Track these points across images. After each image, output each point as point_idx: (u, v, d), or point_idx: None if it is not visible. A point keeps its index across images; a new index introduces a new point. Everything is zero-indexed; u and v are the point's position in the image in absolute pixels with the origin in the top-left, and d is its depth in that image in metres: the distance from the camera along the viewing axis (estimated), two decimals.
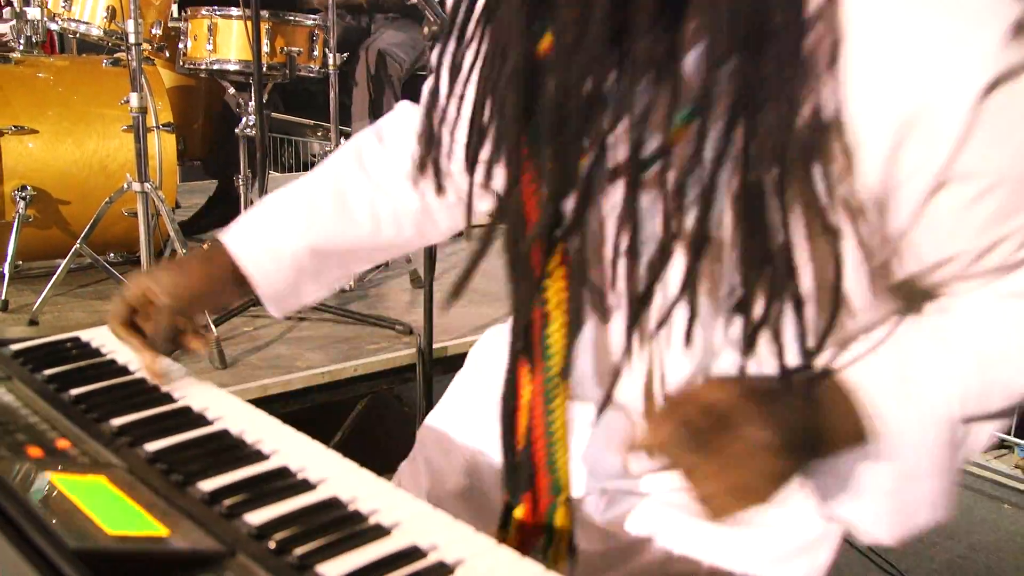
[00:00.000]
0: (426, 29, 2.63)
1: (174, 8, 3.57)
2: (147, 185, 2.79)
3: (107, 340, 1.32)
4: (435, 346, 2.84)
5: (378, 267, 3.61)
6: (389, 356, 2.85)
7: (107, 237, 3.31)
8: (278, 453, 0.92)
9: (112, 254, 3.48)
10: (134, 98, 2.75)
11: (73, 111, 3.26)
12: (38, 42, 3.48)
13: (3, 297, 3.07)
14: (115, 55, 3.45)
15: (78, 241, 3.00)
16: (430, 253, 2.80)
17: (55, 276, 2.95)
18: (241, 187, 3.43)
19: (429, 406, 2.76)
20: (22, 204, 3.14)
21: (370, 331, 3.02)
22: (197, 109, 3.96)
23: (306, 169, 8.06)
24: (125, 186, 2.96)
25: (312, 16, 3.31)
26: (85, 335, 1.36)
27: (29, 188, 3.15)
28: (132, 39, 2.70)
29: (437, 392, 2.83)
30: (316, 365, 2.73)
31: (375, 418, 3.63)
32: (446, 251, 3.91)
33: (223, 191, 3.94)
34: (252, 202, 3.54)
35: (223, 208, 3.85)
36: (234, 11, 3.21)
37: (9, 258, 3.13)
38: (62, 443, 0.94)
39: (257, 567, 0.70)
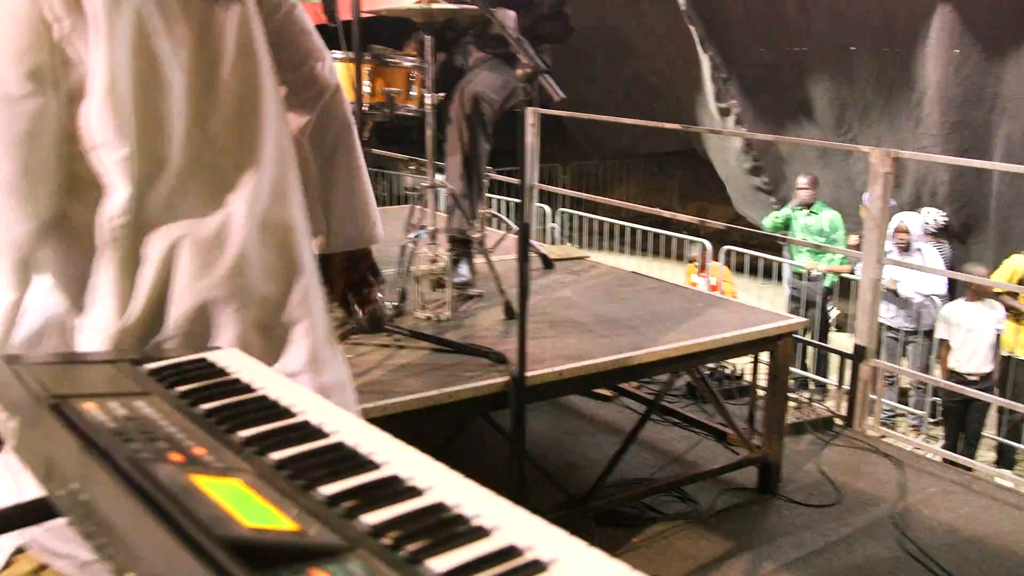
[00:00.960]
0: (519, 71, 2.72)
1: None
2: None
3: (230, 361, 1.43)
4: (527, 375, 2.92)
5: (472, 297, 3.72)
6: (483, 384, 2.95)
7: None
8: (389, 463, 1.01)
9: None
10: None
11: None
12: None
13: None
14: None
15: None
16: (523, 285, 2.89)
17: None
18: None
19: (521, 432, 2.86)
20: None
21: (465, 359, 3.12)
22: None
23: (400, 202, 8.28)
24: None
25: (410, 58, 3.46)
26: (211, 356, 1.48)
27: None
28: None
29: (529, 418, 2.92)
30: (414, 391, 2.84)
31: (469, 443, 3.73)
32: (539, 283, 4.02)
33: None
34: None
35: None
36: (337, 54, 3.36)
37: None
38: (198, 450, 1.05)
39: (375, 560, 0.79)
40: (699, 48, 8.99)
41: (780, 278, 8.65)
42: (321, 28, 3.37)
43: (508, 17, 3.74)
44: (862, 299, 4.65)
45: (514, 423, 2.84)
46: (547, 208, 8.53)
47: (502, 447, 3.20)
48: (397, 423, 2.71)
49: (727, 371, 4.98)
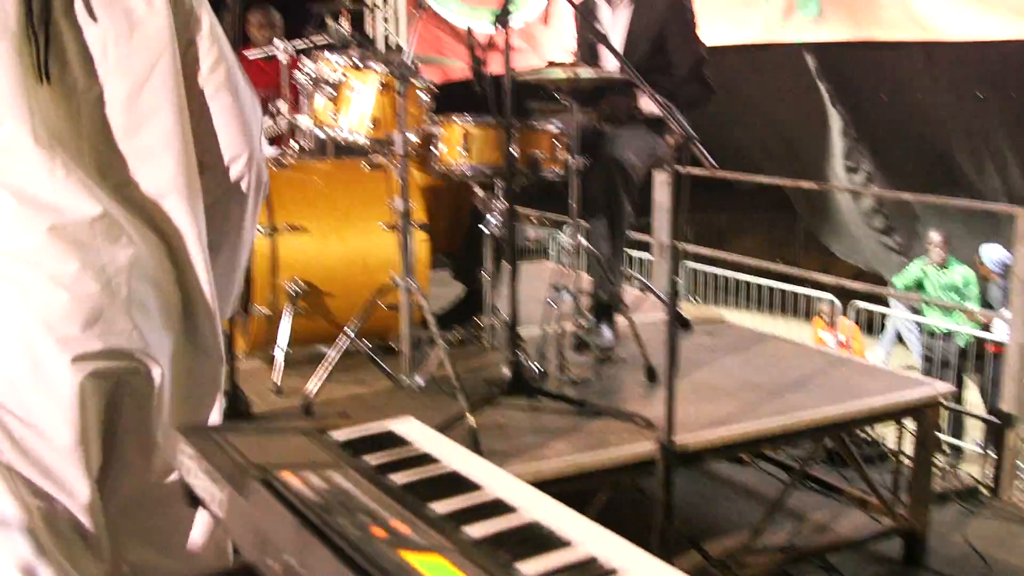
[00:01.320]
0: (670, 139, 2.76)
1: None
2: (412, 283, 3.03)
3: (411, 430, 1.49)
4: (676, 440, 2.91)
5: (615, 360, 3.75)
6: (631, 449, 2.95)
7: (363, 326, 3.56)
8: (582, 542, 1.06)
9: (365, 341, 3.73)
10: (398, 203, 3.00)
11: (338, 211, 3.57)
12: (308, 148, 3.83)
13: (278, 382, 3.37)
14: (373, 157, 3.75)
15: (350, 331, 3.27)
16: (672, 347, 2.89)
17: (330, 364, 3.22)
18: (487, 281, 3.66)
19: (669, 499, 2.85)
20: (294, 296, 3.44)
21: (611, 423, 3.13)
22: (442, 207, 4.23)
23: (543, 257, 8.37)
24: (392, 282, 3.21)
25: (554, 123, 3.52)
26: (394, 426, 1.54)
27: (300, 281, 3.45)
28: (399, 149, 2.96)
29: (678, 485, 2.91)
30: (562, 454, 2.87)
31: (616, 508, 3.72)
32: (683, 344, 4.00)
33: (470, 287, 4.17)
34: (496, 295, 3.77)
35: (470, 301, 4.09)
36: (486, 119, 3.45)
37: (284, 345, 3.43)
38: (397, 524, 1.11)
39: None
40: (828, 106, 8.90)
41: (900, 337, 8.47)
42: (467, 90, 3.49)
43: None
44: (1010, 364, 4.51)
45: (664, 491, 2.83)
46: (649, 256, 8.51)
47: (641, 505, 3.20)
48: (549, 488, 2.73)
49: (867, 435, 4.87)
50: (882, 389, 3.60)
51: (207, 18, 1.73)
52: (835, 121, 9.03)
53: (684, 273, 8.70)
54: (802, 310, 8.53)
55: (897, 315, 7.69)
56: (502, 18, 3.01)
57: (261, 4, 2.85)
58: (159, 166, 1.68)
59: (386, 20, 9.56)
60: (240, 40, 2.58)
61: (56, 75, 1.59)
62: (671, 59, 4.00)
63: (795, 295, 8.22)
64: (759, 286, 8.37)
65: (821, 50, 8.44)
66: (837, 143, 9.11)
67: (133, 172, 1.67)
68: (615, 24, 4.06)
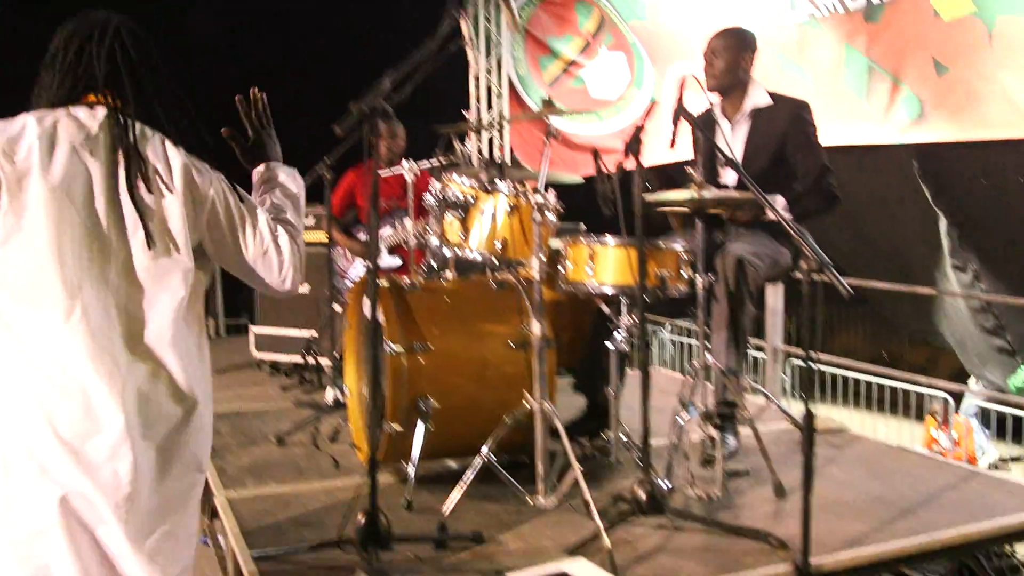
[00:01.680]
0: (804, 265, 2.80)
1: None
2: (546, 404, 3.09)
3: (586, 571, 1.54)
4: (812, 561, 2.90)
5: (740, 474, 3.75)
6: (766, 571, 2.94)
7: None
8: None
9: (493, 456, 3.80)
10: (535, 327, 3.09)
11: (468, 329, 3.68)
12: (437, 268, 3.96)
13: (409, 497, 3.44)
14: (499, 276, 3.86)
15: (485, 449, 3.34)
16: (807, 463, 2.89)
17: (464, 484, 3.29)
18: (612, 396, 3.71)
19: None
20: (425, 412, 3.53)
21: (744, 542, 3.13)
22: (564, 320, 4.31)
23: (666, 367, 8.41)
24: (527, 404, 3.28)
25: (681, 242, 3.60)
26: (568, 567, 1.59)
27: (431, 399, 3.54)
28: (535, 275, 3.05)
29: None
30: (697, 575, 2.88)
31: None
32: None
33: (594, 409, 4.23)
34: (615, 418, 3.82)
35: (594, 420, 4.15)
36: (610, 239, 3.54)
37: (415, 461, 3.51)
38: None
39: None
40: (933, 206, 8.84)
41: (1017, 436, 8.23)
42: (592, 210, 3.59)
43: (776, 202, 3.85)
44: None
45: None
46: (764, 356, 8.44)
47: None
48: None
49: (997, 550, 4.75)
50: (1018, 505, 3.53)
51: (217, 190, 2.21)
52: (940, 220, 8.95)
53: (788, 368, 8.63)
54: (912, 407, 8.37)
55: (1015, 413, 7.48)
56: (633, 147, 3.10)
57: (387, 117, 3.01)
58: (163, 312, 2.13)
59: (496, 143, 9.87)
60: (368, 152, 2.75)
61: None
62: (792, 171, 4.07)
63: (904, 392, 8.07)
64: (867, 383, 8.25)
65: (923, 150, 8.43)
66: (943, 242, 9.01)
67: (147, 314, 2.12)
68: (735, 137, 4.15)
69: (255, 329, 8.36)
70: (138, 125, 2.14)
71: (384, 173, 5.02)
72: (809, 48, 7.41)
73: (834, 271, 2.78)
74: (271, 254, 2.27)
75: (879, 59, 6.93)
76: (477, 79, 10.16)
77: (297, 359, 7.78)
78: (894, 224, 10.30)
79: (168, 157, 2.15)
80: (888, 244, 10.70)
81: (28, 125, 2.07)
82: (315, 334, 7.55)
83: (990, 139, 6.65)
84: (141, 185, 2.09)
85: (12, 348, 2.03)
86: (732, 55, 4.16)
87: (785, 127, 4.09)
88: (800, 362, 8.54)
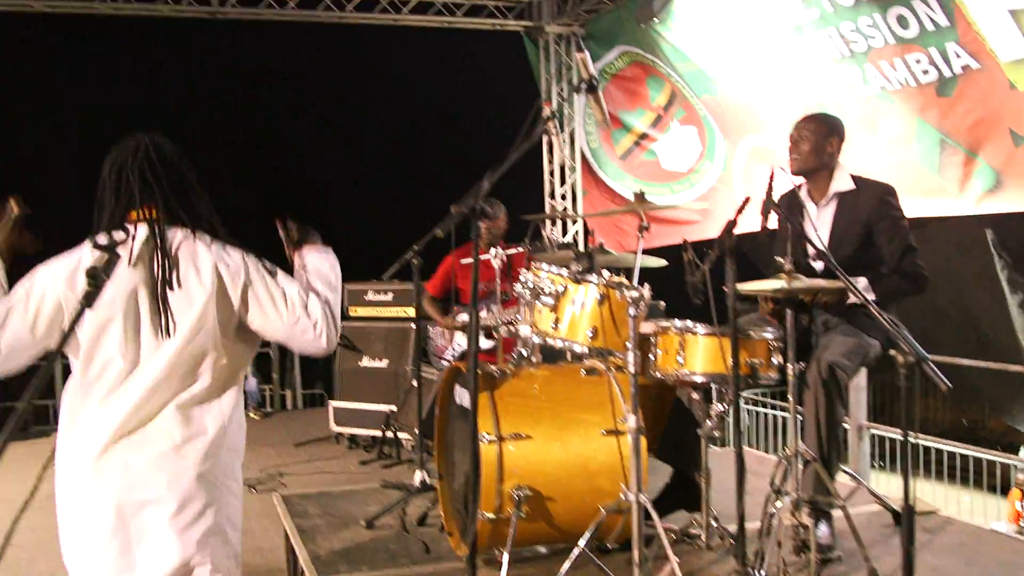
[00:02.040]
0: (900, 359, 2.81)
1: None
2: (642, 496, 3.12)
3: None
4: None
5: (833, 560, 3.72)
6: None
7: (583, 528, 3.66)
8: None
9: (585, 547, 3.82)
10: (631, 420, 3.13)
11: (560, 418, 3.72)
12: (528, 355, 4.03)
13: None
14: (589, 363, 3.91)
15: (582, 543, 3.37)
16: (908, 559, 2.88)
17: (562, 572, 3.32)
18: (702, 481, 3.73)
19: None
20: (518, 501, 3.57)
21: None
22: (648, 402, 4.34)
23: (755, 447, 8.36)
24: (622, 496, 3.31)
25: (770, 330, 3.63)
26: None
27: (524, 487, 3.59)
28: (632, 368, 3.10)
29: None
30: None
31: None
32: (893, 542, 3.95)
33: (679, 479, 4.25)
34: (706, 504, 3.82)
35: (681, 494, 4.16)
36: (700, 328, 3.58)
37: (509, 548, 3.55)
38: None
39: None
40: (1002, 279, 8.76)
41: None
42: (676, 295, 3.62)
43: (859, 283, 3.86)
44: None
45: None
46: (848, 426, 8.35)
47: None
48: None
49: None
50: None
51: (248, 276, 2.62)
52: (1012, 301, 8.86)
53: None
54: (997, 477, 8.20)
55: None
56: (727, 242, 3.16)
57: (485, 217, 3.08)
58: (203, 383, 2.60)
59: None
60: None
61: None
62: (879, 254, 4.08)
63: (986, 462, 7.92)
64: (946, 452, 8.10)
65: (998, 220, 8.37)
66: (1017, 317, 8.91)
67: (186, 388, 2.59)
68: (820, 220, 4.18)
69: (334, 403, 8.50)
70: (174, 231, 2.60)
71: (467, 261, 5.12)
72: (880, 121, 7.43)
73: (931, 365, 2.79)
74: (303, 320, 2.64)
75: (951, 132, 6.93)
76: (551, 153, 10.31)
77: (375, 433, 7.89)
78: (967, 296, 10.20)
79: (199, 257, 2.59)
80: (962, 315, 10.59)
81: (84, 256, 2.57)
82: (394, 408, 7.66)
83: None
84: (176, 286, 2.54)
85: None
86: (818, 139, 4.19)
87: (870, 211, 4.11)
88: (880, 432, 8.44)
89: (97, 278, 2.11)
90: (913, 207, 7.15)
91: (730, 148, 9.08)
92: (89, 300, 2.11)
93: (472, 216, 2.87)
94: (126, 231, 2.55)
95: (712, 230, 9.42)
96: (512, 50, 10.98)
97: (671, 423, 4.25)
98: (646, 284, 3.47)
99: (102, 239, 2.51)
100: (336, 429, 8.43)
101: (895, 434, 8.39)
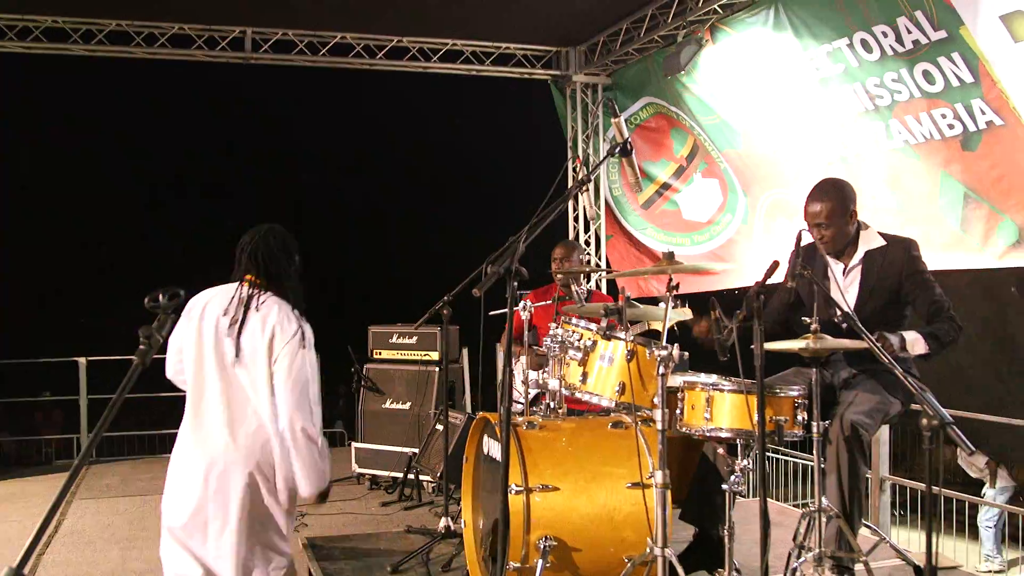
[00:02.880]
0: (924, 421, 2.87)
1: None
2: (668, 551, 3.19)
3: None
4: None
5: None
6: None
7: None
8: None
9: None
10: (659, 476, 3.20)
11: (586, 471, 3.79)
12: (555, 408, 4.10)
13: None
14: (615, 417, 3.98)
15: None
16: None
17: None
18: (726, 536, 3.78)
19: None
20: (544, 552, 3.64)
21: None
22: (673, 455, 4.40)
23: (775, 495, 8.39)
24: (648, 549, 3.38)
25: (795, 387, 3.70)
26: None
27: (551, 538, 3.66)
28: (660, 425, 3.18)
29: None
30: None
31: None
32: None
33: (702, 537, 4.30)
34: (729, 556, 3.87)
35: (703, 554, 4.21)
36: (727, 385, 3.66)
37: None
38: None
39: None
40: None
41: None
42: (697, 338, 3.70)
43: (911, 339, 3.90)
44: None
45: None
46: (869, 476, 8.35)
47: None
48: None
49: None
50: None
51: (288, 350, 3.49)
52: None
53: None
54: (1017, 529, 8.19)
55: None
56: (755, 305, 3.24)
57: (521, 278, 3.18)
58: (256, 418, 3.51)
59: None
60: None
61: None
62: (904, 312, 4.13)
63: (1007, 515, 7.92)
64: (971, 505, 8.11)
65: (1021, 274, 8.39)
66: None
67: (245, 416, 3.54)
68: (847, 279, 4.22)
69: (356, 445, 8.56)
70: (265, 294, 3.60)
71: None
72: (904, 175, 7.50)
73: (956, 429, 2.85)
74: (297, 416, 3.45)
75: (976, 186, 6.99)
76: (576, 200, 10.43)
77: (397, 474, 7.95)
78: (993, 350, 10.19)
79: (268, 316, 3.52)
80: (991, 371, 10.56)
81: (213, 295, 3.68)
82: (416, 451, 7.72)
83: None
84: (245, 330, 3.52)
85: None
86: (838, 221, 4.19)
87: (899, 268, 4.14)
88: (902, 482, 8.44)
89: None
90: (936, 260, 7.22)
91: (751, 202, 9.18)
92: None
93: (508, 276, 2.96)
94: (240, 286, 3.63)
95: (731, 281, 9.51)
96: (540, 97, 11.14)
97: (696, 481, 4.31)
98: (676, 344, 3.55)
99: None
100: (358, 470, 8.49)
101: (917, 485, 8.41)
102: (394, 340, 8.50)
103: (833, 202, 4.20)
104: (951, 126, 6.90)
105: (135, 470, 9.80)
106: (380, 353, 8.63)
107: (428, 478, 7.51)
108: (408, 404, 8.28)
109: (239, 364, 3.50)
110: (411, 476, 7.69)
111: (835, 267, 4.28)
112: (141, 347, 2.03)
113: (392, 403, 8.35)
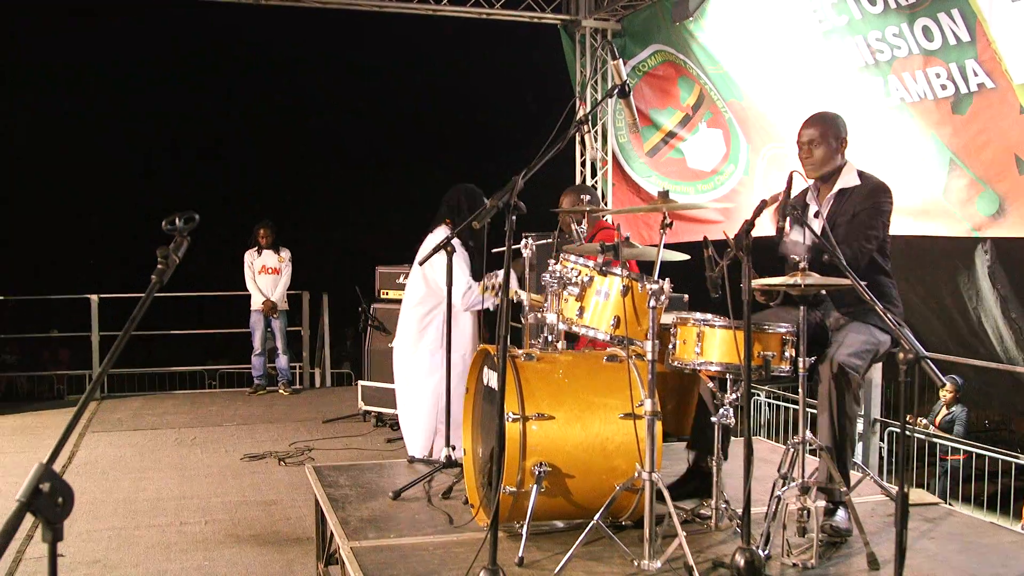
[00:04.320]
0: (901, 355, 3.01)
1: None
2: (655, 475, 3.35)
3: None
4: None
5: (836, 544, 3.93)
6: None
7: (599, 505, 3.88)
8: None
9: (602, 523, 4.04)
10: (648, 404, 3.36)
11: (581, 400, 3.95)
12: (553, 341, 4.25)
13: (521, 555, 3.71)
14: (610, 351, 4.13)
15: (596, 517, 3.61)
16: (900, 541, 3.08)
17: (575, 547, 3.56)
18: (714, 466, 3.95)
19: None
20: (539, 477, 3.81)
21: None
22: (670, 391, 4.56)
23: (763, 430, 8.58)
24: (636, 475, 3.54)
25: (784, 325, 3.84)
26: None
27: (545, 464, 3.82)
28: (650, 355, 3.33)
29: None
30: None
31: None
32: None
33: (696, 468, 4.47)
34: (717, 486, 4.04)
35: (698, 483, 4.38)
36: (717, 321, 3.80)
37: (527, 521, 3.79)
38: None
39: None
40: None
41: None
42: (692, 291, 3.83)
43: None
44: None
45: None
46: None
47: None
48: None
49: None
50: None
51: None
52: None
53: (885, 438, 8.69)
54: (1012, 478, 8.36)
55: None
56: (743, 241, 3.37)
57: (518, 211, 3.32)
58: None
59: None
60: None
61: None
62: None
63: (1004, 463, 8.09)
64: (965, 453, 8.29)
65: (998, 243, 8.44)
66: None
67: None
68: (817, 220, 4.34)
69: (363, 383, 8.76)
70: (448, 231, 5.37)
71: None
72: (897, 134, 7.55)
73: (930, 363, 3.00)
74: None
75: (961, 153, 7.03)
76: (583, 146, 10.50)
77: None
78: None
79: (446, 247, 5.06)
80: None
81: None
82: None
83: None
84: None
85: None
86: (828, 146, 4.34)
87: (861, 203, 4.25)
88: (895, 430, 8.61)
89: None
90: (915, 227, 7.32)
91: (752, 154, 9.26)
92: None
93: (507, 210, 3.09)
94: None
95: (732, 230, 9.62)
96: (549, 42, 11.19)
97: (699, 414, 4.46)
98: (667, 278, 3.69)
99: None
100: (364, 408, 8.70)
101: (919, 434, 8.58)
102: (401, 280, 8.66)
103: (825, 125, 4.39)
104: (944, 87, 6.94)
105: (145, 406, 10.04)
106: (387, 293, 8.80)
107: None
108: None
109: None
110: None
111: (811, 207, 4.40)
112: (159, 266, 2.17)
113: None
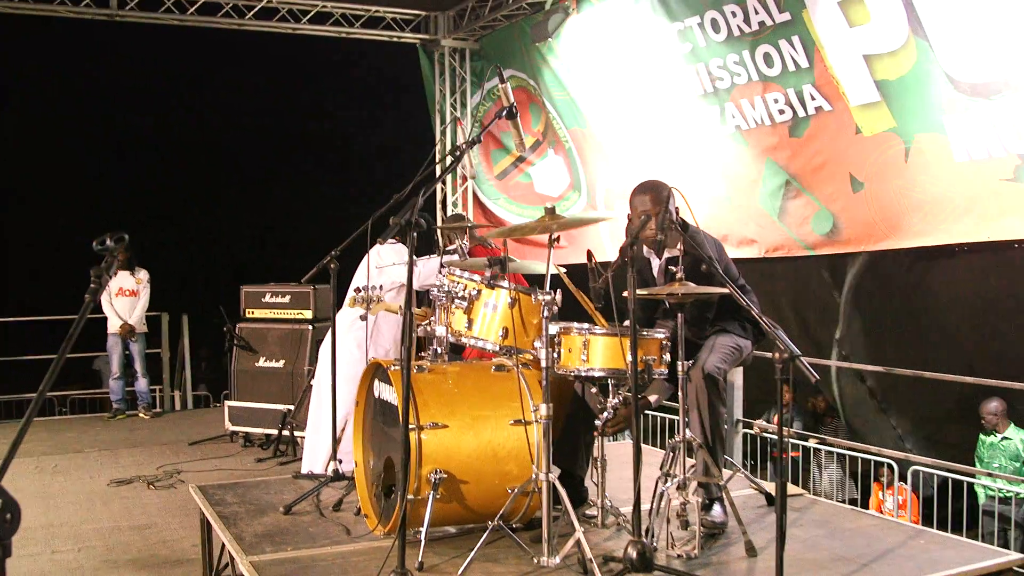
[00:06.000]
0: (776, 355, 3.28)
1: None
2: (552, 475, 3.53)
3: None
4: None
5: (715, 535, 4.20)
6: None
7: (492, 509, 4.03)
8: None
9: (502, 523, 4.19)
10: (543, 408, 3.54)
11: (472, 409, 4.10)
12: (441, 353, 4.40)
13: (420, 559, 3.84)
14: (498, 361, 4.30)
15: (495, 520, 3.76)
16: (781, 526, 3.34)
17: (475, 549, 3.71)
18: (599, 470, 4.17)
19: None
20: (435, 484, 3.94)
21: None
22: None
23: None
24: (535, 476, 3.72)
25: (662, 331, 4.09)
26: None
27: (440, 471, 3.96)
28: (543, 362, 3.52)
29: None
30: None
31: None
32: (767, 520, 4.44)
33: (565, 477, 4.66)
34: (601, 487, 4.25)
35: (570, 484, 4.58)
36: (598, 329, 4.02)
37: (425, 527, 3.91)
38: None
39: None
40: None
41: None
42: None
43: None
44: None
45: None
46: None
47: None
48: None
49: None
50: (960, 560, 4.02)
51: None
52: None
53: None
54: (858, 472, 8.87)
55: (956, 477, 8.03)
56: (631, 250, 3.59)
57: (420, 228, 3.46)
58: None
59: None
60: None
61: None
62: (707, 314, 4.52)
63: (851, 458, 8.59)
64: (817, 451, 8.77)
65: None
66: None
67: None
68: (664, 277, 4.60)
69: (229, 403, 8.69)
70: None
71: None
72: (732, 162, 7.91)
73: (803, 361, 3.26)
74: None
75: (798, 174, 7.43)
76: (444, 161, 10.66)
77: (271, 431, 8.14)
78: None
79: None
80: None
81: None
82: (291, 407, 7.92)
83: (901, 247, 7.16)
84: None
85: None
86: (659, 218, 4.17)
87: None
88: (751, 431, 9.04)
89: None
90: (753, 249, 7.75)
91: (592, 181, 9.56)
92: None
93: (408, 228, 3.24)
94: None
95: (574, 256, 9.93)
96: (408, 61, 11.32)
97: (566, 429, 4.64)
98: (558, 290, 3.89)
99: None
100: (231, 428, 8.62)
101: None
102: (267, 299, 8.64)
103: (654, 193, 4.38)
104: (782, 111, 7.35)
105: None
106: (253, 312, 8.75)
107: (302, 434, 7.71)
108: (282, 362, 8.46)
109: None
110: (285, 432, 7.89)
111: (654, 261, 4.60)
112: (92, 285, 2.22)
113: (265, 361, 8.51)
